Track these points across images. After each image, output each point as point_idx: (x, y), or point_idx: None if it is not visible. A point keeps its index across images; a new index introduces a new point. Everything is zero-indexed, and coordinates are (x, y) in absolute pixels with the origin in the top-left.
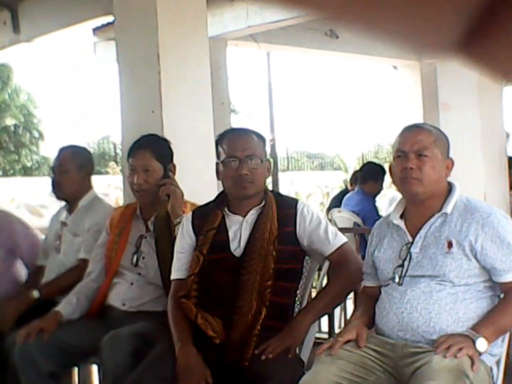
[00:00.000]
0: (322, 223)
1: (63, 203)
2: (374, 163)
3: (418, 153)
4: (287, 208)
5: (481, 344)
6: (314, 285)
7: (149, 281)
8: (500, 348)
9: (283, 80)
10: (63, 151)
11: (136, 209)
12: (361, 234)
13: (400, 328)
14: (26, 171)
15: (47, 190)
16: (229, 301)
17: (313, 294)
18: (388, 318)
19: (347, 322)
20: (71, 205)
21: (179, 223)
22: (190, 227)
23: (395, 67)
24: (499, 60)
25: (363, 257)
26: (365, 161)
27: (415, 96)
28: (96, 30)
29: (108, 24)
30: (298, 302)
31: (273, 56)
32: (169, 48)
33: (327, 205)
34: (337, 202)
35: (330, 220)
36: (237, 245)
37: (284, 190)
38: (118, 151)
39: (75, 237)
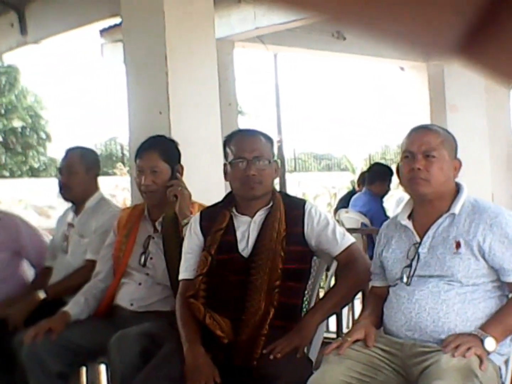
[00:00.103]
0: (330, 224)
1: (70, 204)
2: (382, 164)
3: (426, 154)
4: (295, 208)
5: (490, 343)
6: (321, 285)
7: (157, 281)
8: (508, 347)
9: (290, 82)
10: (71, 152)
11: (143, 210)
12: (368, 235)
13: (408, 327)
14: (34, 172)
15: (54, 191)
16: (237, 301)
17: (321, 295)
18: (397, 318)
19: (355, 322)
20: (77, 207)
21: (186, 223)
22: (198, 228)
23: (402, 69)
24: (499, 62)
25: (371, 258)
26: (372, 162)
27: (422, 97)
28: (103, 31)
29: (115, 25)
30: (306, 302)
31: (280, 57)
32: (177, 49)
33: (334, 206)
34: (344, 203)
35: (337, 221)
36: (245, 246)
37: (291, 191)
38: (125, 152)
39: (82, 238)
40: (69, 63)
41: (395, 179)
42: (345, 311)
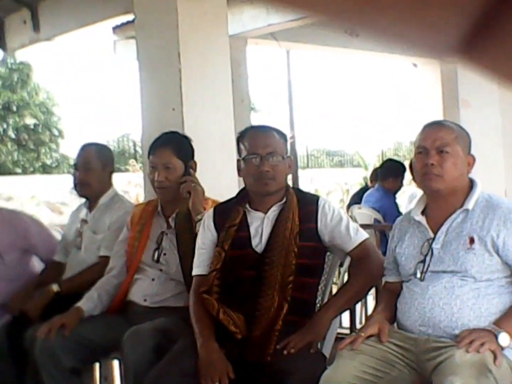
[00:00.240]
0: (344, 219)
1: (82, 200)
2: (394, 160)
3: (440, 149)
4: (308, 204)
5: (504, 338)
6: (334, 281)
7: (170, 277)
8: None
9: (303, 78)
10: (87, 148)
11: (157, 206)
12: (381, 231)
13: (422, 323)
14: (46, 169)
15: (67, 188)
16: (251, 296)
17: (334, 291)
18: (410, 313)
19: (368, 318)
20: (91, 203)
21: (200, 219)
22: (212, 224)
23: (415, 65)
24: (500, 62)
25: (384, 254)
26: (385, 159)
27: (435, 93)
28: (116, 28)
29: (128, 22)
30: (319, 298)
31: (292, 54)
32: (190, 46)
33: (347, 202)
34: (357, 199)
35: (350, 217)
36: (258, 241)
37: (304, 187)
38: (138, 148)
39: (96, 235)
40: (82, 60)
41: (407, 175)
42: (358, 306)
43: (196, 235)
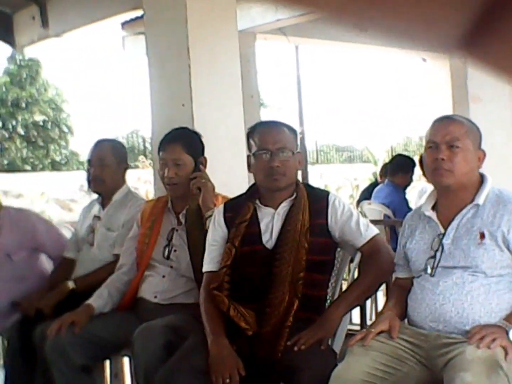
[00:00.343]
0: (354, 215)
1: (94, 196)
2: (404, 156)
3: (450, 144)
4: (318, 200)
5: None
6: (345, 277)
7: (181, 273)
8: None
9: (312, 73)
10: (101, 144)
11: (167, 202)
12: (391, 226)
13: (432, 319)
14: (55, 166)
15: (76, 185)
16: (261, 293)
17: (344, 287)
18: (421, 309)
19: (378, 314)
20: (104, 199)
21: (210, 216)
22: (222, 220)
23: (424, 60)
24: (502, 58)
25: (394, 249)
26: (394, 154)
27: (445, 88)
28: (124, 24)
29: (137, 18)
30: (330, 294)
31: (301, 49)
32: (199, 41)
33: (356, 198)
34: (367, 194)
35: (360, 213)
36: (269, 237)
37: (313, 183)
38: (147, 145)
39: (109, 231)
40: (91, 56)
41: (417, 170)
42: (368, 303)
43: (206, 231)
